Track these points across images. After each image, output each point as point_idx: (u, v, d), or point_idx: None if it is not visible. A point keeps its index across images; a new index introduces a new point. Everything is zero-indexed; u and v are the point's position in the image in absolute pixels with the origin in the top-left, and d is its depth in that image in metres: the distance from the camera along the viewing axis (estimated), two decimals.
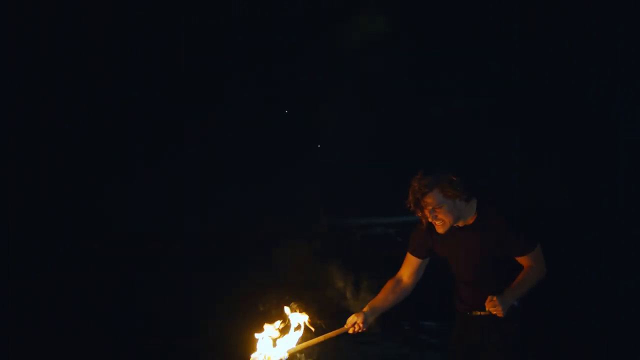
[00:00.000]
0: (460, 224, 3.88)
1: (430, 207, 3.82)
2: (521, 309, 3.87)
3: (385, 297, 4.00)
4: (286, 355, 3.76)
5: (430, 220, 3.81)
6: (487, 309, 3.72)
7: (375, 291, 4.06)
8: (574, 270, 5.28)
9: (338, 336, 3.86)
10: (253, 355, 3.71)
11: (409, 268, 4.03)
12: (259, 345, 3.73)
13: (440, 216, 3.80)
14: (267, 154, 5.97)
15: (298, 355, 3.84)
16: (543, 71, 5.43)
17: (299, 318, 3.80)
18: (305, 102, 5.90)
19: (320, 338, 3.76)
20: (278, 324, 3.74)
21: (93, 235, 5.64)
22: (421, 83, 5.63)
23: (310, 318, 3.80)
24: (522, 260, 3.82)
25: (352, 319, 3.89)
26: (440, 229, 3.83)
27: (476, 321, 3.92)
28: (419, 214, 3.89)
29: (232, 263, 5.60)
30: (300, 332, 3.81)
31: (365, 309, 3.90)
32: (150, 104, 5.74)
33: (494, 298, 3.69)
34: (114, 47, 5.62)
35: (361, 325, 3.90)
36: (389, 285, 4.03)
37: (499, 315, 3.71)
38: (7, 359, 5.14)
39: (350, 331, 3.86)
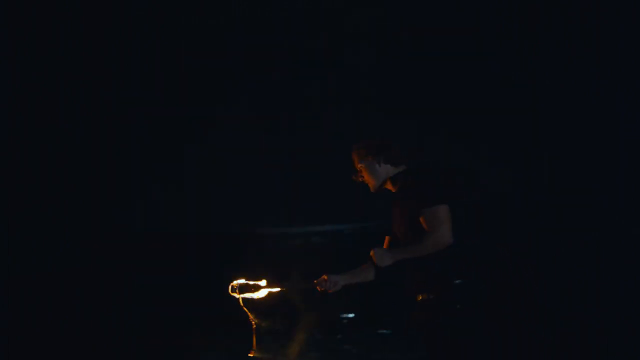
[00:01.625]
0: (391, 188, 3.87)
1: (357, 168, 3.94)
2: (475, 293, 3.66)
3: (359, 271, 3.96)
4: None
5: (359, 180, 3.91)
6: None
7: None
8: (574, 270, 5.27)
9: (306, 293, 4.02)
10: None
11: (384, 243, 3.98)
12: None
13: (364, 177, 3.90)
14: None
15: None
16: (543, 71, 5.42)
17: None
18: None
19: (285, 288, 3.87)
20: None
21: (93, 235, 5.64)
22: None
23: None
24: (426, 220, 3.63)
25: (323, 277, 3.89)
26: (370, 189, 3.93)
27: (417, 305, 3.77)
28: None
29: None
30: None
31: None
32: (151, 104, 5.73)
33: (375, 249, 3.68)
34: (114, 47, 5.61)
35: (329, 284, 3.87)
36: (364, 265, 3.97)
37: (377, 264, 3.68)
38: (7, 359, 5.14)
39: (319, 288, 3.87)
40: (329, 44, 5.71)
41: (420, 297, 3.67)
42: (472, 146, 5.54)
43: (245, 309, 3.82)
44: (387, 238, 3.96)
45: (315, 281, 3.87)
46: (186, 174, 5.82)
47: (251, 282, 3.86)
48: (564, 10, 5.29)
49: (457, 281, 3.61)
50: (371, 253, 3.68)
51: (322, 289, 3.90)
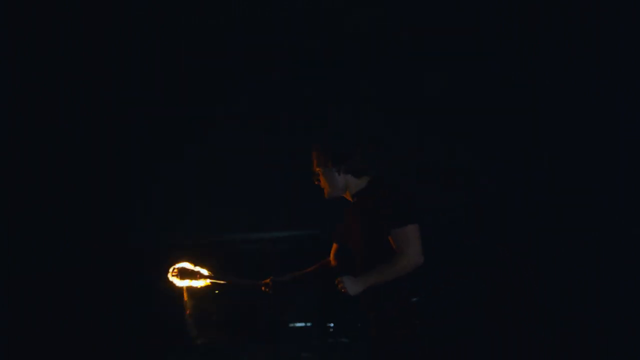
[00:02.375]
0: (350, 198, 3.73)
1: (314, 172, 3.79)
2: (421, 307, 3.56)
3: (308, 272, 3.97)
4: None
5: (316, 183, 3.79)
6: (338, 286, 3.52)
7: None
8: (574, 270, 5.27)
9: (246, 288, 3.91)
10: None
11: (332, 251, 3.94)
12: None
13: (321, 183, 3.77)
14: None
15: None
16: (543, 71, 5.42)
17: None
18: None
19: (230, 281, 3.82)
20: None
21: (93, 235, 5.64)
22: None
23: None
24: (393, 240, 3.51)
25: (267, 280, 3.89)
26: (325, 195, 3.79)
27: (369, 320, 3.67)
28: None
29: None
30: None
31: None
32: (151, 104, 5.73)
33: (342, 277, 3.49)
34: (114, 47, 5.61)
35: (270, 286, 3.88)
36: (321, 262, 3.98)
37: (345, 294, 3.49)
38: (7, 359, 5.14)
39: (263, 288, 3.88)
40: (329, 44, 5.70)
41: (372, 314, 3.59)
42: (472, 146, 5.54)
43: (185, 296, 3.77)
44: (334, 246, 3.90)
45: (259, 282, 3.86)
46: (186, 174, 5.81)
47: (194, 268, 3.78)
48: (564, 10, 5.28)
49: (413, 299, 3.52)
50: (337, 281, 3.54)
51: (266, 289, 3.90)
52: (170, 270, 3.79)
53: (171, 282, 3.79)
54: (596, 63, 5.28)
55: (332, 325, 5.67)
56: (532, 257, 5.33)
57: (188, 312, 3.82)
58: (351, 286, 3.51)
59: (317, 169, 3.77)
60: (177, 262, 3.78)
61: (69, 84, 5.61)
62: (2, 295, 5.41)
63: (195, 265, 3.82)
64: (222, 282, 3.83)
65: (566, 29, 5.32)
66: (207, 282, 3.80)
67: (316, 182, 3.79)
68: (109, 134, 5.74)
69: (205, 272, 3.81)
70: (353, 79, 5.68)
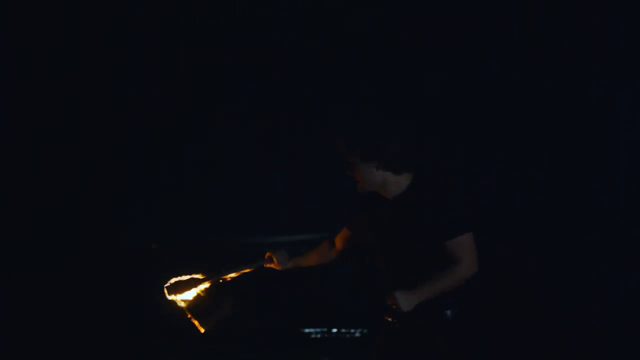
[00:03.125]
0: (386, 194, 3.51)
1: (348, 163, 3.53)
2: (455, 320, 3.40)
3: (310, 252, 3.87)
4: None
5: (348, 174, 3.54)
6: (388, 302, 3.34)
7: None
8: (574, 270, 5.28)
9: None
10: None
11: (341, 236, 3.84)
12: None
13: (355, 176, 3.52)
14: None
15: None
16: (543, 71, 5.42)
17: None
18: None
19: (234, 273, 3.67)
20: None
21: (92, 236, 5.64)
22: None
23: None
24: (451, 248, 3.37)
25: (268, 254, 3.77)
26: (358, 187, 3.55)
27: (392, 330, 3.47)
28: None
29: None
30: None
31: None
32: (151, 104, 5.73)
33: (394, 292, 3.30)
34: (114, 47, 5.61)
35: (275, 260, 3.76)
36: (321, 244, 3.88)
37: (397, 310, 3.30)
38: (7, 359, 5.15)
39: (265, 265, 3.76)
40: (329, 44, 5.70)
41: (389, 320, 3.45)
42: (472, 146, 5.53)
43: (189, 315, 3.60)
44: (344, 232, 3.78)
45: (254, 265, 3.73)
46: (186, 174, 5.81)
47: (184, 278, 3.63)
48: (564, 10, 5.28)
49: (447, 311, 3.39)
50: (389, 298, 3.34)
51: (269, 265, 3.78)
52: (165, 291, 3.64)
53: (173, 302, 3.65)
54: (596, 63, 5.28)
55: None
56: (532, 257, 5.33)
57: (201, 329, 3.67)
58: (405, 303, 3.33)
59: (352, 161, 3.55)
60: (167, 279, 3.64)
61: (69, 83, 5.61)
62: (2, 295, 5.41)
63: (185, 274, 3.68)
64: (221, 278, 3.69)
65: (566, 29, 5.32)
66: (206, 284, 3.65)
67: (349, 174, 3.58)
68: (109, 133, 5.74)
69: (198, 276, 3.67)
70: (353, 79, 5.68)
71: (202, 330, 3.60)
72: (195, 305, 3.62)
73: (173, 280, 3.65)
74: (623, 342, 5.07)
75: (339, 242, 3.87)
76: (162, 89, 5.71)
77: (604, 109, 5.33)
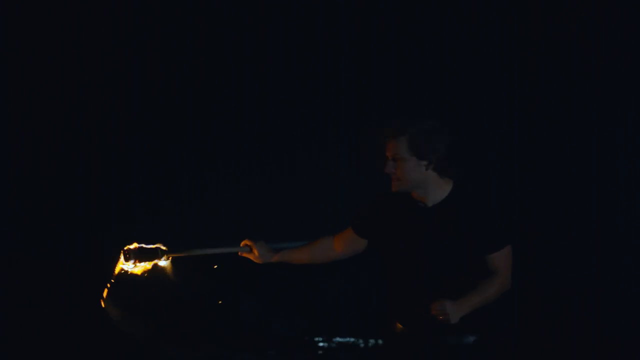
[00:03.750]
0: (421, 199, 3.31)
1: (391, 156, 3.29)
2: (481, 345, 3.30)
3: (303, 247, 3.68)
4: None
5: (386, 170, 3.34)
6: (432, 312, 3.16)
7: None
8: (575, 270, 5.27)
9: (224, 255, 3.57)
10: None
11: (342, 236, 3.64)
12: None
13: (398, 172, 3.30)
14: None
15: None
16: (543, 72, 5.43)
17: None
18: None
19: (203, 251, 3.48)
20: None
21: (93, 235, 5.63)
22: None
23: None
24: (491, 260, 3.26)
25: (245, 242, 3.57)
26: (393, 187, 3.32)
27: (421, 348, 3.33)
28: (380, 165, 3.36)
29: None
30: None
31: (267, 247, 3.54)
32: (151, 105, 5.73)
33: (445, 302, 3.14)
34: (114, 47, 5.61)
35: (255, 252, 3.55)
36: (318, 241, 3.69)
37: (445, 322, 3.13)
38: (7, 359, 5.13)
39: (240, 253, 3.57)
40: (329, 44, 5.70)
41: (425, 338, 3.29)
42: (472, 146, 5.52)
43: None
44: (349, 233, 3.57)
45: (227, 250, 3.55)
46: (187, 175, 5.79)
47: (148, 246, 3.42)
48: (565, 10, 5.29)
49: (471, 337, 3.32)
50: (436, 306, 3.15)
51: (243, 254, 3.60)
52: (122, 254, 3.43)
53: (123, 270, 3.44)
54: (596, 63, 5.29)
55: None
56: (533, 257, 5.32)
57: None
58: (455, 313, 3.18)
59: (397, 156, 3.34)
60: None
61: (68, 84, 5.60)
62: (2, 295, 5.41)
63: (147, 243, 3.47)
64: (184, 255, 3.46)
65: (566, 28, 5.32)
66: (169, 259, 3.46)
67: (387, 170, 3.38)
68: (108, 133, 5.73)
69: (162, 247, 3.48)
70: (353, 79, 5.68)
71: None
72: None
73: (134, 245, 3.46)
74: (623, 342, 5.06)
75: (339, 242, 3.69)
76: (162, 90, 5.69)
77: (604, 109, 5.33)
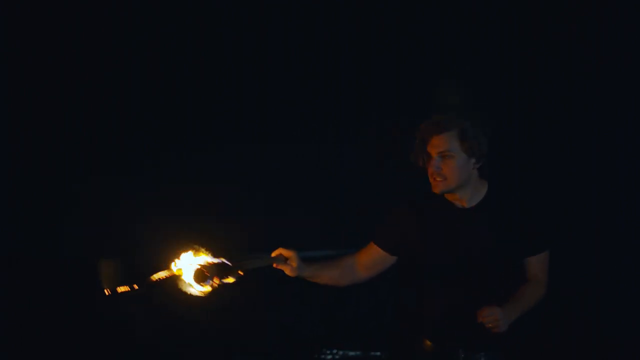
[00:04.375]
0: (459, 201, 3.11)
1: (437, 153, 3.02)
2: None
3: (330, 265, 3.28)
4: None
5: (430, 170, 3.03)
6: (480, 319, 2.93)
7: None
8: (575, 270, 5.26)
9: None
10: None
11: (365, 257, 3.31)
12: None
13: (445, 170, 3.03)
14: None
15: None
16: (543, 71, 5.43)
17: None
18: None
19: (239, 264, 3.06)
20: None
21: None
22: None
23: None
24: (530, 265, 3.12)
25: (280, 251, 3.14)
26: (437, 187, 3.06)
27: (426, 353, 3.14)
28: (419, 163, 3.09)
29: None
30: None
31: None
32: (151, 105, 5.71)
33: (495, 308, 2.93)
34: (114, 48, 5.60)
35: (293, 264, 3.12)
36: (343, 260, 3.33)
37: (494, 330, 2.90)
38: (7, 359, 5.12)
39: (276, 265, 3.15)
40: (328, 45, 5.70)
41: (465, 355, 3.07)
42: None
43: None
44: (374, 251, 3.23)
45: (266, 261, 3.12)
46: (187, 175, 5.78)
47: (219, 261, 3.06)
48: (565, 10, 5.29)
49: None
50: (488, 313, 2.92)
51: (279, 266, 3.17)
52: (197, 273, 3.04)
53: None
54: (596, 63, 5.29)
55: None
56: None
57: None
58: (505, 320, 3.00)
59: (452, 156, 3.13)
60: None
61: (68, 84, 5.60)
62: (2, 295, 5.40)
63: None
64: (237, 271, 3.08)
65: (566, 28, 5.32)
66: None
67: (431, 170, 3.11)
68: (108, 134, 5.72)
69: (225, 261, 3.10)
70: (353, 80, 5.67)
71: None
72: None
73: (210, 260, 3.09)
74: (623, 342, 5.06)
75: (362, 263, 3.36)
76: (162, 90, 5.69)
77: (604, 109, 5.33)
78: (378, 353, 4.88)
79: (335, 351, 4.84)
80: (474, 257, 3.14)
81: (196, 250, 3.12)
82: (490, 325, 2.99)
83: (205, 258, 3.09)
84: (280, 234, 5.15)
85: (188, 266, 3.08)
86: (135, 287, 3.17)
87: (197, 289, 3.10)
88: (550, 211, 3.19)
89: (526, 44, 5.38)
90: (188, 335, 5.16)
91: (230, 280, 3.13)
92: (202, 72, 5.66)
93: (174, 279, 3.15)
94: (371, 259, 3.32)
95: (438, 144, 3.10)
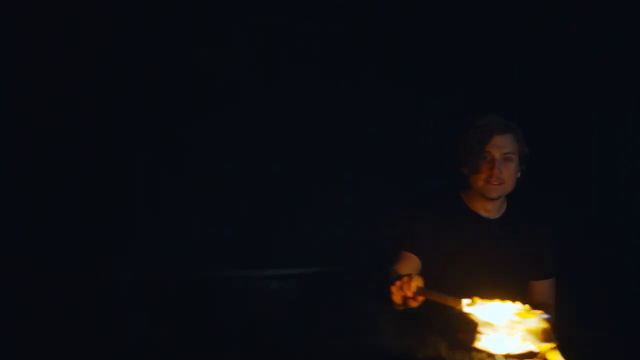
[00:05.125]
0: (486, 211, 2.92)
1: (500, 154, 2.87)
2: None
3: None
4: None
5: (489, 172, 2.83)
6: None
7: None
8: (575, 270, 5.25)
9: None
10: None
11: (407, 269, 2.94)
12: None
13: (505, 173, 2.88)
14: None
15: None
16: (543, 71, 5.43)
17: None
18: None
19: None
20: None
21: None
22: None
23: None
24: (538, 289, 2.97)
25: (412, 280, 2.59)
26: (494, 192, 2.89)
27: None
28: (466, 168, 2.81)
29: None
30: None
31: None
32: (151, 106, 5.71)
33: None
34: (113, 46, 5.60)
35: (411, 290, 2.60)
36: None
37: None
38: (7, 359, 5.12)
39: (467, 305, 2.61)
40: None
41: None
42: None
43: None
44: (413, 257, 2.94)
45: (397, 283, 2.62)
46: (188, 175, 5.78)
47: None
48: (565, 10, 5.29)
49: None
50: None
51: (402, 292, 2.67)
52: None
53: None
54: (596, 63, 5.29)
55: None
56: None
57: None
58: None
59: (512, 158, 3.01)
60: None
61: (68, 84, 5.59)
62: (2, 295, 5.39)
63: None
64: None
65: (566, 28, 5.32)
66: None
67: (490, 172, 2.95)
68: (108, 135, 5.71)
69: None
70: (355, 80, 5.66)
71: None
72: None
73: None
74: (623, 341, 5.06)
75: (418, 277, 2.79)
76: (162, 91, 5.68)
77: (604, 109, 5.33)
78: None
79: None
80: (498, 272, 3.02)
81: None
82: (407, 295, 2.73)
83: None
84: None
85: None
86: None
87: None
88: (562, 235, 3.05)
89: (526, 44, 5.38)
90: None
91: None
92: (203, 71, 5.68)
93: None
94: (413, 269, 2.98)
95: (502, 145, 3.02)
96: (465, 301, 2.58)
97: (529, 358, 2.54)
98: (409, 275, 2.66)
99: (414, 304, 2.65)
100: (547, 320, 2.56)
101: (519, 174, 3.07)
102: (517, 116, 5.32)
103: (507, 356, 2.52)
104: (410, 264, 3.02)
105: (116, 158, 5.59)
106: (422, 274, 2.93)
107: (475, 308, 2.58)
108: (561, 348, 2.74)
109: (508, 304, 2.58)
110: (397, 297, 2.66)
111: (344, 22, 5.57)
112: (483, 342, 2.53)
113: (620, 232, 5.20)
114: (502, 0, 5.39)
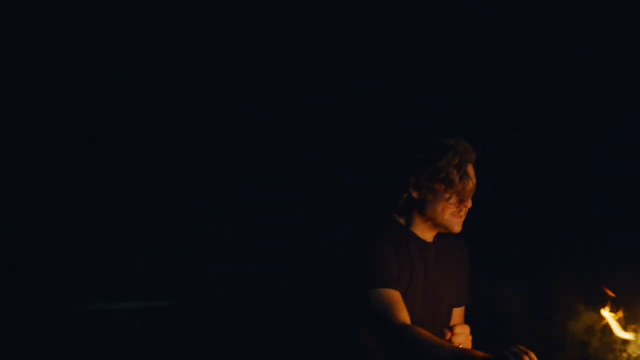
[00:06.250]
0: (426, 237, 2.80)
1: (473, 185, 2.73)
2: None
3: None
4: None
5: (461, 206, 2.67)
6: (449, 337, 2.59)
7: None
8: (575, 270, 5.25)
9: None
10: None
11: (404, 309, 2.66)
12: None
13: (469, 207, 2.75)
14: None
15: None
16: (543, 71, 5.42)
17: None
18: None
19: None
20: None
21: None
22: None
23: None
24: (459, 315, 2.89)
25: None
26: (460, 226, 2.74)
27: None
28: (419, 192, 2.66)
29: None
30: None
31: None
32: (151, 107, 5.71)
33: (466, 326, 2.62)
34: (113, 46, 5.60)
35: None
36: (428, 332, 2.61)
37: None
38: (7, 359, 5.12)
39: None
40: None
41: None
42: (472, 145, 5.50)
43: None
44: (397, 294, 2.68)
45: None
46: (188, 175, 5.77)
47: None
48: (565, 10, 5.29)
49: None
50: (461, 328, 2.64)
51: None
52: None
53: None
54: (596, 63, 5.29)
55: None
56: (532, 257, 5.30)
57: None
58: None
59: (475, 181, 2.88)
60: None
61: (68, 85, 5.59)
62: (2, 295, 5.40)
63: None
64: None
65: (566, 28, 5.32)
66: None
67: (463, 204, 2.83)
68: (108, 136, 5.71)
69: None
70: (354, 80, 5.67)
71: None
72: None
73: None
74: None
75: (403, 312, 2.68)
76: (162, 91, 5.68)
77: (604, 109, 5.33)
78: None
79: None
80: (438, 294, 2.90)
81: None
82: (461, 343, 2.65)
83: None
84: None
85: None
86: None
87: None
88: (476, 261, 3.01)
89: (526, 44, 5.38)
90: None
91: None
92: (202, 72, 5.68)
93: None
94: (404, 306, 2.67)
95: (473, 175, 2.81)
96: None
97: None
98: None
99: None
100: None
101: None
102: (517, 116, 5.42)
103: None
104: (399, 302, 2.65)
105: (116, 158, 5.61)
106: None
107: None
108: None
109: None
110: None
111: (344, 22, 5.57)
112: None
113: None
114: (502, 0, 5.37)
